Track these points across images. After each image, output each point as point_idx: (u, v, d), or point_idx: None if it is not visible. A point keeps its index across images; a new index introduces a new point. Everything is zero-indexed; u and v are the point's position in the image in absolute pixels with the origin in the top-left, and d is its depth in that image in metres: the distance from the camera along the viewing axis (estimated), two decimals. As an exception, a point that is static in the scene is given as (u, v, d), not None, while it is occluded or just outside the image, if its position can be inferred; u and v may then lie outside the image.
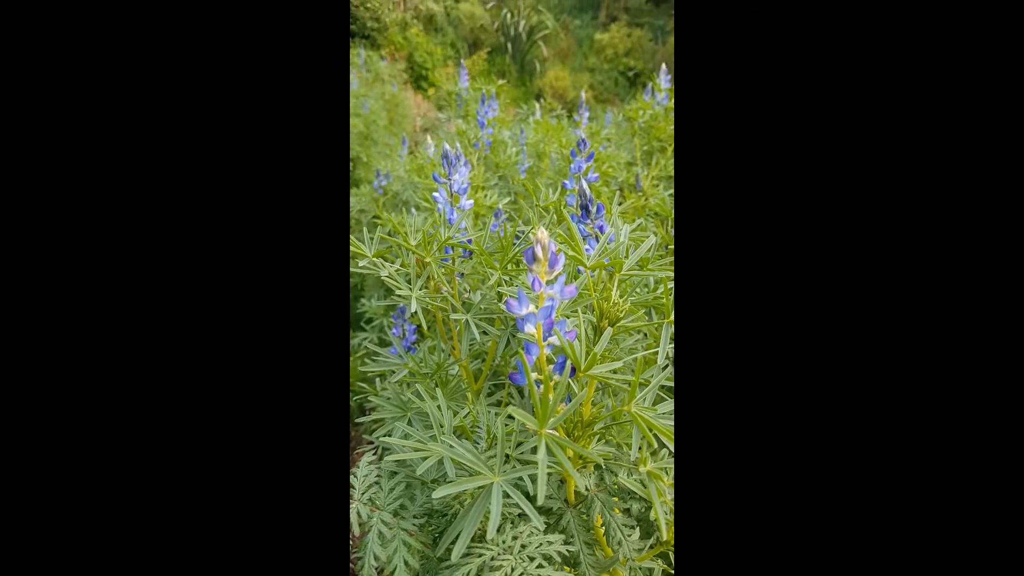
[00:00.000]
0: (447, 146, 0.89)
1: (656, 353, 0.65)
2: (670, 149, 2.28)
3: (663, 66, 2.24)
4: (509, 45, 10.32)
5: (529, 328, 0.56)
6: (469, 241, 0.91)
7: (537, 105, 3.33)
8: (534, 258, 0.54)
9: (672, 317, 0.58)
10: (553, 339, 0.56)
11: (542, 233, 0.53)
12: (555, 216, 1.20)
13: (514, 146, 2.27)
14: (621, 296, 0.81)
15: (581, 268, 0.68)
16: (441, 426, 0.68)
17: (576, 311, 0.61)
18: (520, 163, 2.16)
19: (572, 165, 1.09)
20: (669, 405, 0.64)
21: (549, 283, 0.55)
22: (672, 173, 2.26)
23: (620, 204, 2.09)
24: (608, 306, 0.64)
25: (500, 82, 2.85)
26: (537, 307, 0.55)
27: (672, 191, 2.18)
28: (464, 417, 0.74)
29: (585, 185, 0.84)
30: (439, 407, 0.73)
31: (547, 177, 2.40)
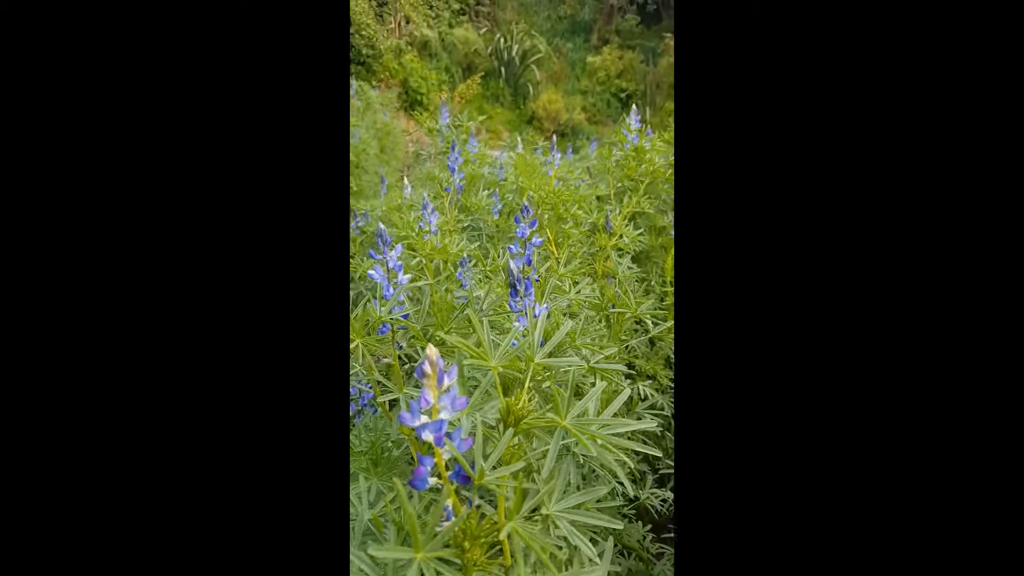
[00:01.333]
0: (382, 226, 0.91)
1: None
2: (643, 187, 2.31)
3: (634, 107, 2.27)
4: (503, 69, 10.45)
5: (426, 436, 0.57)
6: (405, 316, 0.93)
7: (519, 138, 3.37)
8: (423, 374, 0.55)
9: (566, 421, 0.60)
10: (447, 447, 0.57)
11: (431, 350, 0.55)
12: (503, 277, 1.22)
13: (486, 188, 2.30)
14: (546, 378, 0.82)
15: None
16: (353, 519, 0.69)
17: (475, 414, 0.62)
18: (493, 205, 2.19)
19: (517, 230, 1.11)
20: (573, 500, 0.65)
21: (443, 394, 0.56)
22: (644, 209, 2.28)
23: (591, 247, 2.10)
24: (514, 403, 0.65)
25: (481, 118, 2.86)
26: (431, 418, 0.56)
27: (642, 230, 2.20)
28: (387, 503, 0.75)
29: (513, 265, 0.85)
30: (359, 496, 0.74)
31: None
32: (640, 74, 10.10)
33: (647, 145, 2.25)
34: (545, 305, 0.86)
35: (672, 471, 1.54)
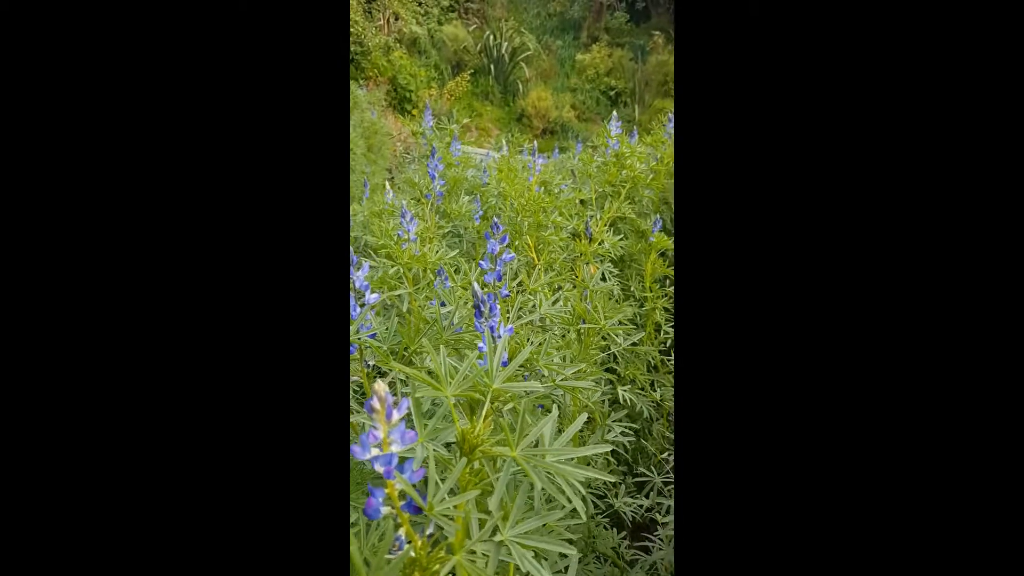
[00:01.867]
0: (352, 252, 0.92)
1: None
2: (624, 192, 2.32)
3: (614, 113, 2.28)
4: (492, 66, 10.41)
5: (377, 468, 0.58)
6: (372, 336, 0.93)
7: (504, 141, 3.37)
8: (372, 409, 0.56)
9: (516, 451, 0.61)
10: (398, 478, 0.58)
11: (379, 385, 0.56)
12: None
13: (469, 192, 2.30)
14: (509, 399, 0.83)
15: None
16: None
17: (428, 443, 0.63)
18: (474, 212, 2.19)
19: (488, 245, 1.11)
20: (530, 524, 0.66)
21: (393, 428, 0.57)
22: (625, 214, 2.29)
23: (571, 252, 2.10)
24: (469, 431, 0.66)
25: (465, 120, 2.84)
26: (382, 451, 0.57)
27: (623, 235, 2.21)
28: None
29: (477, 287, 0.86)
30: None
31: (506, 220, 2.42)
32: (629, 72, 10.10)
33: (627, 151, 2.26)
34: (509, 327, 0.87)
35: (647, 479, 1.56)
